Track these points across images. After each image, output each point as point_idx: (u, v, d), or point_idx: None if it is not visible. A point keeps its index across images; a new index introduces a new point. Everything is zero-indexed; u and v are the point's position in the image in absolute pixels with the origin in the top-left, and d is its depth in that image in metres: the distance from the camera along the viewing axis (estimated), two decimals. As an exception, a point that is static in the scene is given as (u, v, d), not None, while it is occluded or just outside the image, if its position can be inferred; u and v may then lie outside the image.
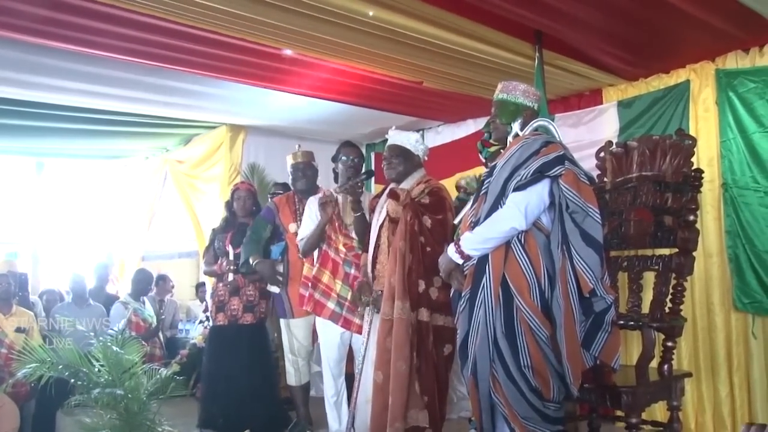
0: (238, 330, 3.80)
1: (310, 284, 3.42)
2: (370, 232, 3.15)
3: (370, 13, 3.22)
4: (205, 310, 5.10)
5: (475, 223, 2.44)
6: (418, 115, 5.45)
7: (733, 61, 3.77)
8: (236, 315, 3.80)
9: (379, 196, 3.25)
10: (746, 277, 3.64)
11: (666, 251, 2.89)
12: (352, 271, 3.32)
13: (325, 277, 3.39)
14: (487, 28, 3.47)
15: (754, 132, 3.62)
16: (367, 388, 2.97)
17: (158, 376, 3.11)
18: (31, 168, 7.34)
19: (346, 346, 3.46)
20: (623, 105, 4.27)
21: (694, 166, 2.92)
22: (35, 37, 3.53)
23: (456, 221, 2.77)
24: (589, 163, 3.06)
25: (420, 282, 2.76)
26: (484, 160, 3.40)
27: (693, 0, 3.07)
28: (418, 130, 5.16)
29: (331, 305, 3.36)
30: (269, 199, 4.33)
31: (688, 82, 3.94)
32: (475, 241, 2.38)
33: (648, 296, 2.87)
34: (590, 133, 4.38)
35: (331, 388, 3.46)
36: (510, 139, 2.55)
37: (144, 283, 5.44)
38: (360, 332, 3.22)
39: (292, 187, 3.90)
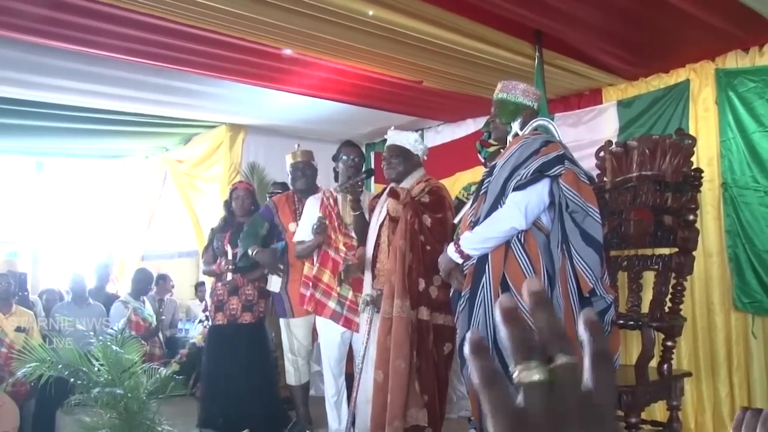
0: (237, 329, 3.80)
1: (310, 284, 3.42)
2: (368, 230, 3.16)
3: (370, 13, 3.22)
4: (205, 310, 5.10)
5: (474, 223, 2.44)
6: (418, 115, 5.45)
7: (733, 60, 3.77)
8: (235, 314, 3.80)
9: (378, 196, 3.26)
10: (746, 277, 3.64)
11: (666, 251, 2.89)
12: (353, 270, 3.32)
13: (326, 277, 3.40)
14: (486, 27, 3.47)
15: (754, 131, 3.62)
16: (367, 388, 2.98)
17: (158, 376, 3.12)
18: (31, 168, 7.33)
19: (346, 346, 3.47)
20: (623, 104, 4.27)
21: (694, 166, 2.92)
22: (36, 36, 3.53)
23: (455, 221, 2.78)
24: (588, 163, 3.06)
25: (420, 280, 2.76)
26: (483, 160, 3.40)
27: (693, -1, 3.08)
28: (417, 130, 5.15)
29: (331, 305, 3.37)
30: (267, 199, 4.34)
31: (687, 81, 3.94)
32: (474, 240, 2.38)
33: (648, 296, 2.87)
34: (590, 132, 4.38)
35: (331, 387, 3.46)
36: (510, 138, 2.55)
37: (144, 283, 5.44)
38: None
39: (291, 187, 3.90)
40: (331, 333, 3.42)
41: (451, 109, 5.28)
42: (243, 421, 3.41)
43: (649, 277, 2.97)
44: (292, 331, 3.72)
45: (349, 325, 3.35)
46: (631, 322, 2.79)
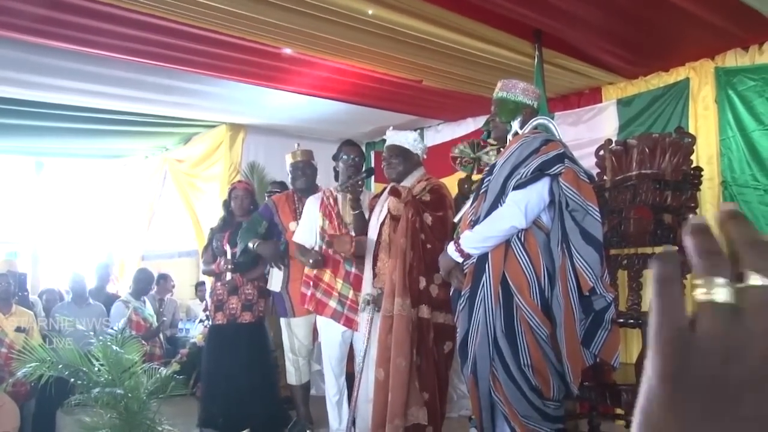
0: (237, 329, 3.80)
1: (311, 283, 3.42)
2: (368, 229, 3.16)
3: (370, 12, 3.22)
4: (205, 309, 5.10)
5: (474, 222, 2.44)
6: (418, 114, 5.45)
7: (733, 59, 3.77)
8: (235, 314, 3.80)
9: (378, 195, 3.26)
10: (746, 276, 3.64)
11: (666, 249, 2.88)
12: (353, 270, 3.33)
13: (326, 276, 3.40)
14: (486, 26, 3.47)
15: (754, 130, 3.62)
16: (368, 388, 2.98)
17: (158, 376, 3.12)
18: (31, 168, 7.33)
19: (347, 345, 3.47)
20: (623, 103, 4.28)
21: (694, 164, 2.93)
22: (36, 36, 3.53)
23: (456, 219, 2.78)
24: (588, 162, 3.06)
25: (421, 279, 2.77)
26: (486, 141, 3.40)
27: (692, -2, 3.08)
28: (417, 129, 5.16)
29: (332, 304, 3.37)
30: (266, 198, 4.33)
31: (687, 80, 3.94)
32: (474, 239, 2.38)
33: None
34: (590, 131, 4.38)
35: (332, 387, 3.46)
36: (510, 137, 2.56)
37: (145, 283, 5.44)
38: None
39: (291, 186, 3.90)
40: (331, 332, 3.42)
41: (451, 108, 5.28)
42: (243, 420, 3.40)
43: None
44: (292, 331, 3.72)
45: (350, 324, 3.35)
46: (631, 321, 2.79)
